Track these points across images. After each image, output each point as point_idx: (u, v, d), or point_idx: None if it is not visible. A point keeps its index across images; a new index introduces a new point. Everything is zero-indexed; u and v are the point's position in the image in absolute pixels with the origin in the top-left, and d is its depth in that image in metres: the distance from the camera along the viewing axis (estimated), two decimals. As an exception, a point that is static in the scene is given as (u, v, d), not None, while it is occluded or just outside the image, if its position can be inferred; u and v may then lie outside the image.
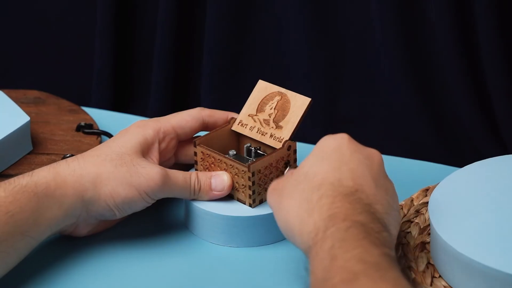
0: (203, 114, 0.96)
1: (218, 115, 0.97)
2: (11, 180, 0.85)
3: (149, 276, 0.88)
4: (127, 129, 0.93)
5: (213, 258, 0.91)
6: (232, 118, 0.97)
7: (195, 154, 0.95)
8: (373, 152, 0.83)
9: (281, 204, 0.82)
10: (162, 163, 0.94)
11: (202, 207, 0.92)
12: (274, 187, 0.84)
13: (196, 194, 0.92)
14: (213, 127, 0.96)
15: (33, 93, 1.19)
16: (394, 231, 0.79)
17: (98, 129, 1.11)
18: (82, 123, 1.11)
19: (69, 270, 0.88)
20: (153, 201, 0.90)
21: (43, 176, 0.86)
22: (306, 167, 0.82)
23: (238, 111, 0.97)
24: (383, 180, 0.82)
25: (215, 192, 0.92)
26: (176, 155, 0.97)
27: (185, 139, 0.96)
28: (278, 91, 0.96)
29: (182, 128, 0.95)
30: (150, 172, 0.88)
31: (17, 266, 0.85)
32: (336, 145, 0.83)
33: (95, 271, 0.89)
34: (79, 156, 0.90)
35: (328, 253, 0.72)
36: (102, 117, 1.17)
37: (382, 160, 0.83)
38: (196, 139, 0.94)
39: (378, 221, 0.77)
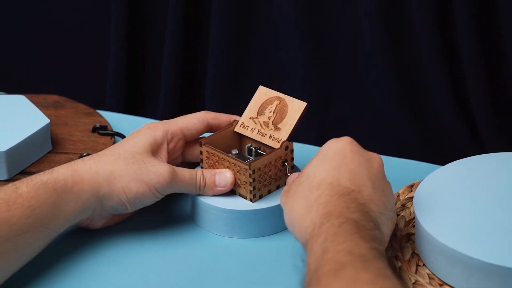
0: (208, 117, 0.96)
1: (221, 117, 0.97)
2: (33, 176, 0.85)
3: (158, 265, 0.88)
4: (139, 131, 0.92)
5: (217, 248, 0.91)
6: (235, 120, 0.97)
7: (201, 153, 0.94)
8: (374, 156, 0.83)
9: (287, 203, 0.82)
10: (170, 161, 0.93)
11: (207, 201, 0.92)
12: (285, 189, 0.84)
13: (202, 190, 0.92)
14: (217, 128, 0.96)
15: (53, 98, 1.19)
16: (387, 231, 0.79)
17: (112, 131, 1.10)
18: (97, 125, 1.11)
19: (85, 259, 0.88)
20: (162, 196, 0.90)
21: (61, 173, 0.86)
22: (308, 168, 0.82)
23: (240, 114, 0.97)
24: (381, 182, 0.81)
25: (219, 188, 0.92)
26: (183, 154, 0.96)
27: (192, 140, 0.96)
28: (277, 96, 0.96)
29: (188, 130, 0.95)
30: (159, 170, 0.88)
31: (38, 255, 0.85)
32: (339, 147, 0.82)
33: (109, 260, 0.89)
34: (94, 155, 0.89)
35: (321, 246, 0.72)
36: (115, 119, 1.17)
37: (382, 164, 0.83)
38: (201, 139, 0.94)
39: (371, 220, 0.76)
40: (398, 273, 0.83)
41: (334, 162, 0.81)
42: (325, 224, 0.74)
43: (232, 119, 0.97)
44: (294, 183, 0.82)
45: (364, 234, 0.73)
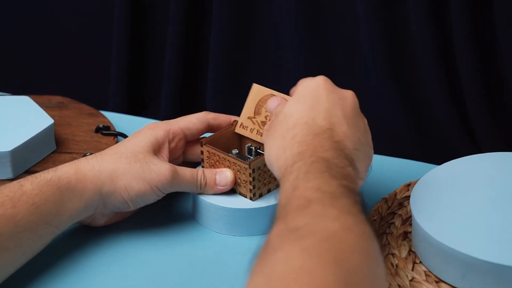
0: (208, 117, 0.96)
1: (221, 118, 0.97)
2: (37, 174, 0.85)
3: (160, 262, 0.88)
4: (140, 131, 0.92)
5: (218, 246, 0.91)
6: (235, 121, 0.97)
7: (202, 153, 0.94)
8: (348, 93, 0.83)
9: (267, 142, 0.83)
10: (172, 161, 0.93)
11: (208, 200, 0.92)
12: (266, 127, 0.85)
13: (203, 189, 0.92)
14: (217, 128, 0.96)
15: (57, 99, 1.19)
16: (362, 167, 0.79)
17: (114, 131, 1.10)
18: (101, 125, 1.11)
19: (88, 257, 0.88)
20: (164, 195, 0.90)
21: (65, 171, 0.86)
22: (286, 108, 0.82)
23: (239, 114, 0.97)
24: (356, 118, 0.81)
25: (219, 187, 0.92)
26: (184, 154, 0.96)
27: (192, 140, 0.96)
28: (271, 94, 0.95)
29: (189, 130, 0.95)
30: (160, 169, 0.88)
31: (41, 252, 0.85)
32: (313, 87, 0.82)
33: (112, 256, 0.89)
34: (97, 154, 0.89)
35: (291, 183, 0.72)
36: (118, 120, 1.17)
37: (356, 100, 0.83)
38: (202, 139, 0.94)
39: (345, 157, 0.76)
40: (368, 212, 0.82)
41: (309, 101, 0.81)
42: (298, 162, 0.74)
43: (232, 120, 0.97)
44: (274, 123, 0.83)
45: (334, 172, 0.73)
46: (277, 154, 0.79)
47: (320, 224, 0.65)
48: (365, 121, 0.83)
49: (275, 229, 0.67)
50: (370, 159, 0.82)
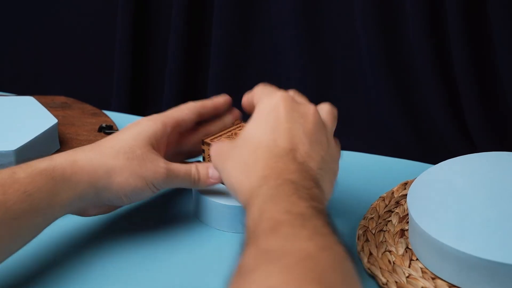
0: (196, 106, 0.94)
1: (207, 104, 0.95)
2: (31, 163, 0.83)
3: (162, 260, 0.88)
4: (137, 122, 0.90)
5: (219, 243, 0.91)
6: (237, 120, 0.97)
7: (203, 151, 0.95)
8: (309, 109, 0.80)
9: (224, 167, 0.80)
10: (167, 151, 0.92)
11: (210, 198, 0.92)
12: (217, 152, 0.82)
13: (196, 184, 0.90)
14: (208, 115, 0.95)
15: (60, 99, 1.19)
16: (327, 186, 0.77)
17: (117, 130, 1.11)
18: (103, 125, 1.11)
19: (90, 254, 0.88)
20: (158, 191, 0.88)
21: (60, 162, 0.84)
22: (245, 132, 0.80)
23: (240, 116, 0.98)
24: (318, 135, 0.78)
25: (212, 180, 0.91)
26: (179, 144, 0.95)
27: (186, 130, 0.95)
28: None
29: (184, 121, 0.93)
30: (156, 166, 0.86)
31: (45, 250, 0.85)
32: (273, 106, 0.80)
33: (114, 255, 0.88)
34: (95, 146, 0.87)
35: (259, 208, 0.69)
36: (120, 119, 1.17)
37: (318, 115, 0.80)
38: (204, 138, 0.94)
39: (311, 179, 0.74)
40: (337, 231, 0.81)
41: (269, 123, 0.78)
42: (263, 186, 0.72)
43: (233, 120, 0.97)
44: (230, 147, 0.80)
45: (302, 193, 0.70)
46: (240, 179, 0.77)
47: (294, 245, 0.63)
48: (329, 135, 0.80)
49: (246, 253, 0.64)
50: (335, 176, 0.80)
